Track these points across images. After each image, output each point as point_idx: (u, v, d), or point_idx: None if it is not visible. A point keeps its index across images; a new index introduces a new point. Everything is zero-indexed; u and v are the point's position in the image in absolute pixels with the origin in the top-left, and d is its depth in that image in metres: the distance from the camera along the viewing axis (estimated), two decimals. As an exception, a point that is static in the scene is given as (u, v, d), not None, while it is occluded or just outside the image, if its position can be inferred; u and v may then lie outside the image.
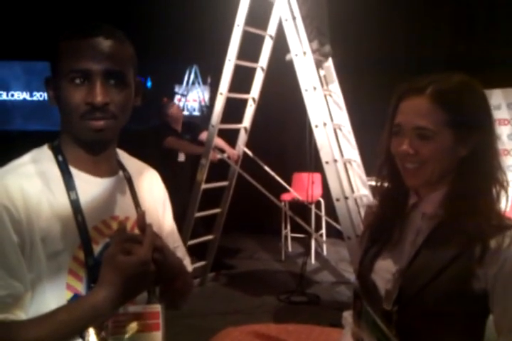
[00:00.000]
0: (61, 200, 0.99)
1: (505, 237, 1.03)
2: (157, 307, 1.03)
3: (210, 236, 4.31)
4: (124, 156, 1.18)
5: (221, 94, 3.95)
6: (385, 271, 1.18)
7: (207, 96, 6.53)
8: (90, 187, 1.04)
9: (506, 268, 1.02)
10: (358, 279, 1.25)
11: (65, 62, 0.97)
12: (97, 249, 1.00)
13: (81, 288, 0.98)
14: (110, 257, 0.91)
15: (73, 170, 1.03)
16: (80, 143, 1.04)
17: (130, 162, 1.18)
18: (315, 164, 3.78)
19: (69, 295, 0.97)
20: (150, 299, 1.06)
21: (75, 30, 1.00)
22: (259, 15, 3.93)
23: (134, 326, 0.97)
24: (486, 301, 1.05)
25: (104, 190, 1.06)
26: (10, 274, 0.91)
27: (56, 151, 1.04)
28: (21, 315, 0.93)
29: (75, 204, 0.99)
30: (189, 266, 1.25)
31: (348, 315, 1.30)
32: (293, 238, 5.41)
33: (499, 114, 4.34)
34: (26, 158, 1.04)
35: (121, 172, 1.12)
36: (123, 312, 0.97)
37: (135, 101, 1.07)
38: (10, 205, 0.92)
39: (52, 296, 0.96)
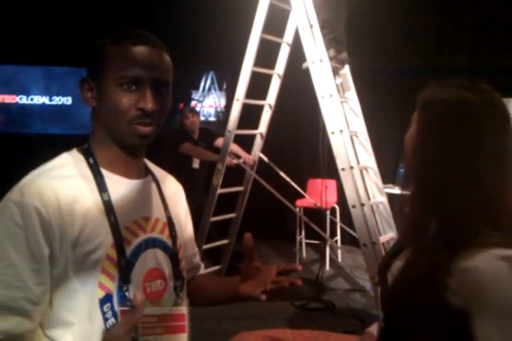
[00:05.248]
0: (94, 201, 1.00)
1: (484, 254, 0.92)
2: (183, 310, 1.05)
3: (225, 241, 4.32)
4: (149, 163, 1.21)
5: (238, 100, 3.98)
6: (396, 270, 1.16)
7: (223, 102, 6.56)
8: (122, 187, 1.06)
9: (478, 291, 0.92)
10: (378, 278, 1.25)
11: (114, 67, 0.99)
12: (129, 249, 1.02)
13: (113, 287, 0.99)
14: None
15: (104, 172, 1.05)
16: (119, 146, 1.06)
17: (154, 169, 1.22)
18: (329, 170, 3.78)
19: (101, 293, 0.98)
20: (176, 301, 1.08)
21: (124, 37, 1.02)
22: (276, 23, 3.96)
23: (161, 328, 0.99)
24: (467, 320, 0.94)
25: (135, 191, 1.08)
26: (31, 276, 0.92)
27: (87, 154, 1.06)
28: (31, 324, 0.93)
29: (108, 205, 1.01)
30: (202, 269, 1.36)
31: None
32: (307, 244, 5.40)
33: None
34: (57, 161, 1.05)
35: (150, 176, 1.15)
36: (150, 313, 0.98)
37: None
38: (41, 207, 0.93)
39: (84, 294, 0.97)
